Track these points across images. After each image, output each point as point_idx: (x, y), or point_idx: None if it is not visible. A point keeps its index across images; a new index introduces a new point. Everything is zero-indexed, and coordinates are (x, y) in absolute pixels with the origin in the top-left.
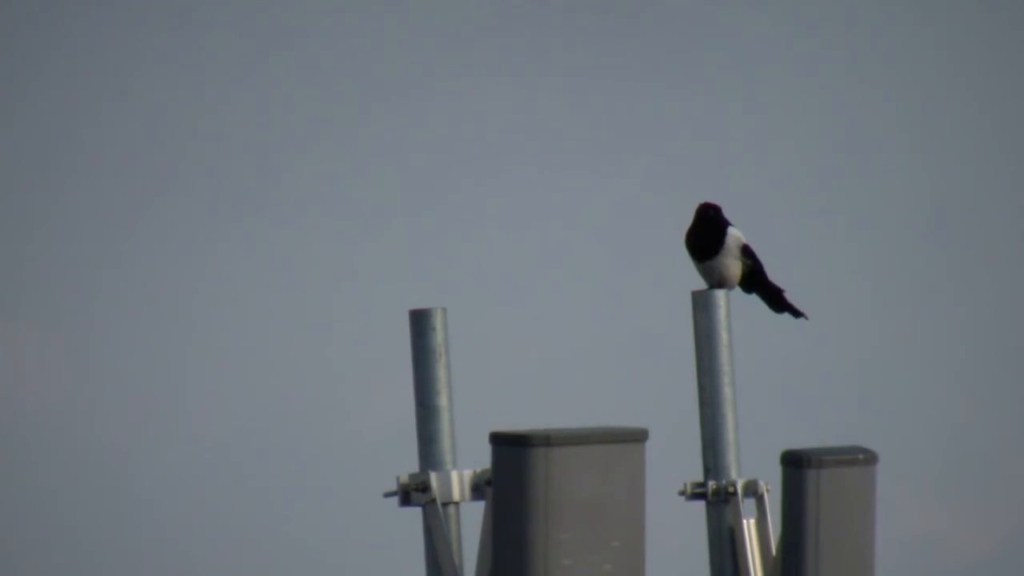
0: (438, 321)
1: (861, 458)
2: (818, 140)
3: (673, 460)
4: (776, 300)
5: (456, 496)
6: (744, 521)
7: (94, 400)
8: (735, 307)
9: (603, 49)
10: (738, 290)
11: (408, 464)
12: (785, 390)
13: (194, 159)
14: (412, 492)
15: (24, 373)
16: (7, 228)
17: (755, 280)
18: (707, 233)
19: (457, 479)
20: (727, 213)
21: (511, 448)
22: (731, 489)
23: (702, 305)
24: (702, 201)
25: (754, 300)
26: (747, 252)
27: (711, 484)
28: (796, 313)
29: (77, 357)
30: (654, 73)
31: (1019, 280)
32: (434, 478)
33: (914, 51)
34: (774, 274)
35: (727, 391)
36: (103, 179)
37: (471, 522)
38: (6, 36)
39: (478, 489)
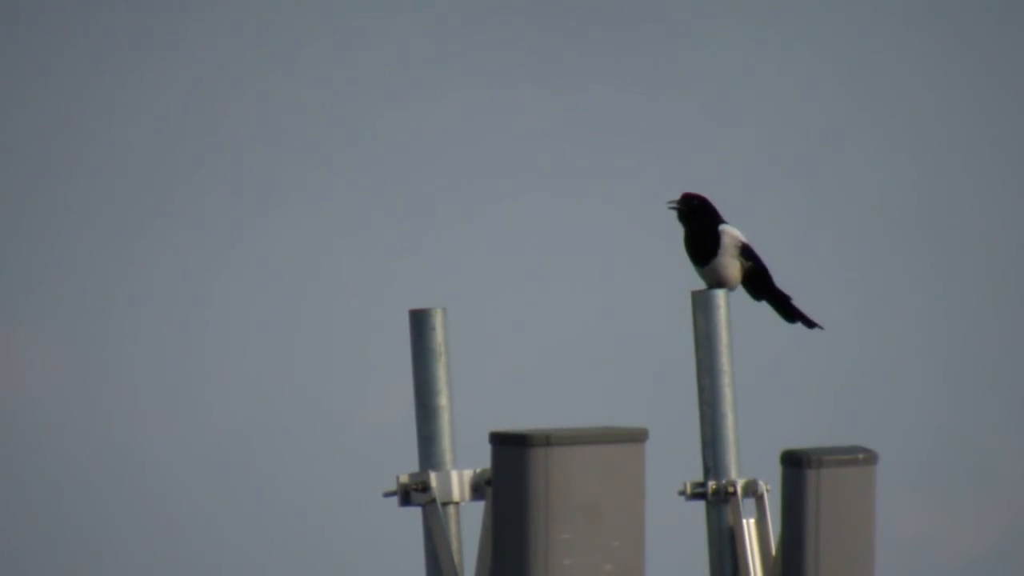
0: (438, 321)
1: (861, 458)
2: (814, 138)
3: (673, 460)
4: (786, 308)
5: (456, 496)
6: (744, 521)
7: (92, 398)
8: (735, 307)
9: (601, 51)
10: (747, 296)
11: (408, 464)
12: (785, 390)
13: (196, 160)
14: (412, 492)
15: (25, 373)
16: (9, 228)
17: (759, 284)
18: (702, 236)
19: (457, 479)
20: (726, 214)
21: (511, 448)
22: (731, 489)
23: (702, 305)
24: (684, 192)
25: (761, 305)
26: (747, 252)
27: (711, 484)
28: (810, 323)
29: (75, 358)
30: (653, 73)
31: (1017, 281)
32: (434, 478)
33: (908, 55)
34: (776, 276)
35: (727, 391)
36: (105, 178)
37: (471, 522)
38: (11, 36)
39: (478, 489)
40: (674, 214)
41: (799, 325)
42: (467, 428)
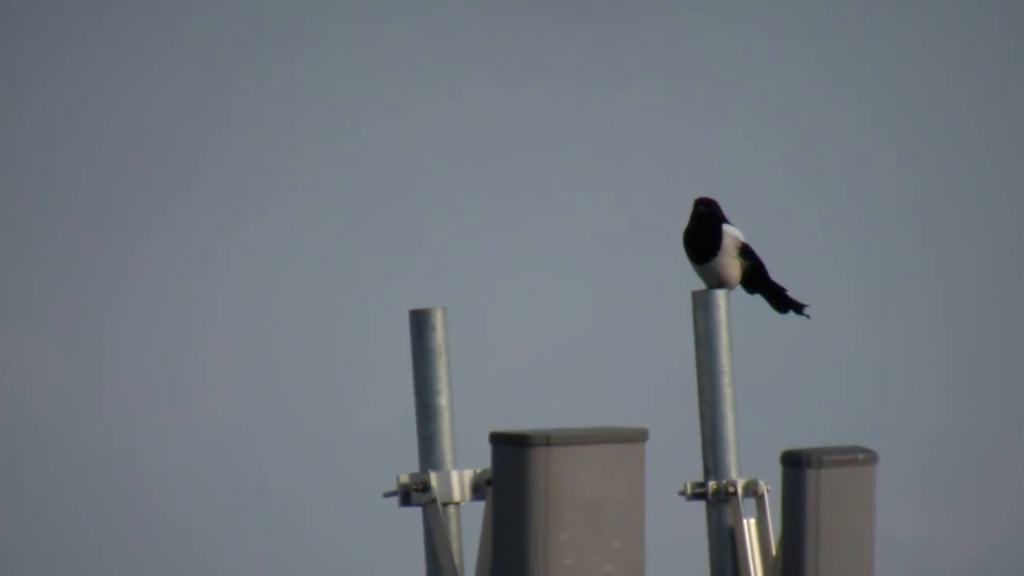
0: (438, 321)
1: (861, 458)
2: (814, 140)
3: (673, 460)
4: (779, 299)
5: (456, 496)
6: (744, 521)
7: (91, 401)
8: (735, 307)
9: (599, 51)
10: (741, 290)
11: (408, 464)
12: (785, 390)
13: (197, 161)
14: (412, 492)
15: (23, 374)
16: (9, 229)
17: (757, 280)
18: (703, 235)
19: (457, 479)
20: (727, 213)
21: (511, 448)
22: (731, 489)
23: (702, 305)
24: (698, 196)
25: (755, 300)
26: (746, 252)
27: (711, 484)
28: (799, 309)
29: (76, 358)
30: (652, 73)
31: (1016, 282)
32: (434, 478)
33: (906, 53)
34: (775, 275)
35: (727, 391)
36: (106, 178)
37: (471, 522)
38: (11, 36)
39: (478, 489)
40: (674, 215)
41: (797, 319)
42: (467, 428)
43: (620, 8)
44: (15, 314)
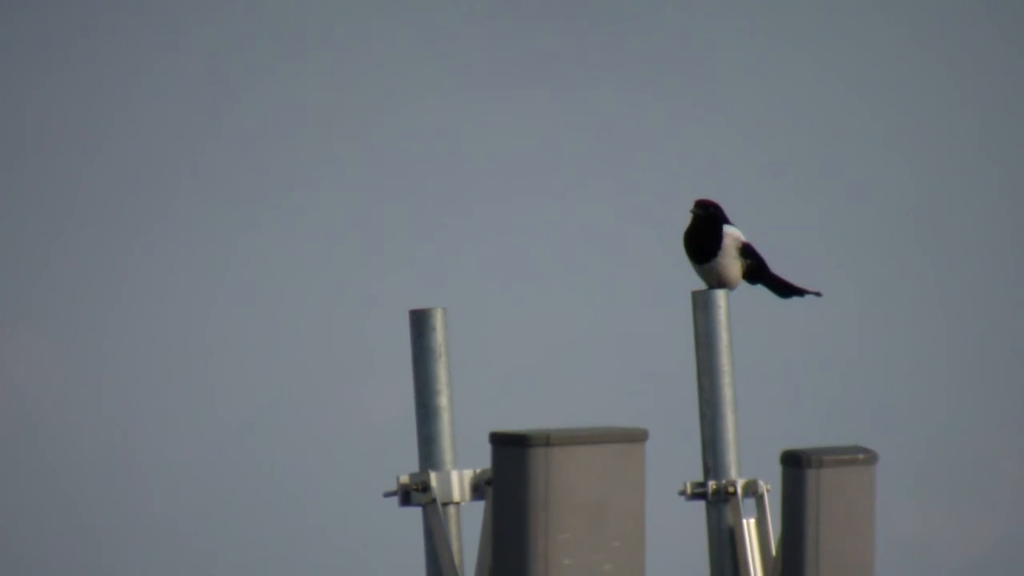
0: (438, 321)
1: (861, 458)
2: (814, 139)
3: (673, 460)
4: (783, 288)
5: (456, 496)
6: (744, 521)
7: (92, 400)
8: (735, 307)
9: (599, 51)
10: (742, 284)
11: (408, 464)
12: (785, 390)
13: (197, 161)
14: (412, 492)
15: (23, 374)
16: (8, 229)
17: (759, 275)
18: (704, 234)
19: (457, 479)
20: (725, 212)
21: (511, 448)
22: (731, 489)
23: (702, 305)
24: (698, 198)
25: (756, 298)
26: (747, 251)
27: (711, 484)
28: (802, 292)
29: (77, 358)
30: (652, 73)
31: (1016, 282)
32: (434, 478)
33: (906, 52)
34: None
35: (727, 391)
36: (108, 178)
37: (471, 522)
38: (11, 35)
39: (478, 489)
40: (674, 215)
41: (799, 316)
42: (467, 428)
43: (620, 8)
44: (15, 314)
